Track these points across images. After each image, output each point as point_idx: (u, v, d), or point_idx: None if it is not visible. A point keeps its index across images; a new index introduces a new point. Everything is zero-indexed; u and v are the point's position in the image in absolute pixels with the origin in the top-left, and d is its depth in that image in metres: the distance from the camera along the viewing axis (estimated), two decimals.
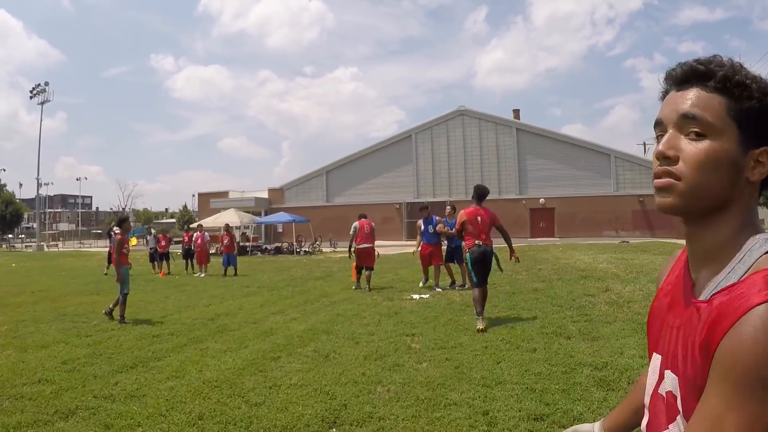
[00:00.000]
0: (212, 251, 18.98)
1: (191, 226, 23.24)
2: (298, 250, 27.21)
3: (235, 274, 15.93)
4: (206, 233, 17.92)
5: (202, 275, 16.27)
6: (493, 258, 7.04)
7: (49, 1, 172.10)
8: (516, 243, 7.82)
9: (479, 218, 6.92)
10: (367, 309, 8.58)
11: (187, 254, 17.99)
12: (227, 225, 17.76)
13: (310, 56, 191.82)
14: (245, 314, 8.63)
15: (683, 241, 0.88)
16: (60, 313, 9.23)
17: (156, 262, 17.94)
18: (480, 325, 6.52)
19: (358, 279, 11.29)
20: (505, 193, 35.67)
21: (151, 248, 18.57)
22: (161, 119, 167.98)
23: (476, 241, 6.86)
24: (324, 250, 28.46)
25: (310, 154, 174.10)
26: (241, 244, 29.76)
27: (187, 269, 17.71)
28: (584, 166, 34.13)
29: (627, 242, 25.66)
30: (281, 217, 30.88)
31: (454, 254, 11.19)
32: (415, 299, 9.53)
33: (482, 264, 6.86)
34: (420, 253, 11.30)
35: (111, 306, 8.39)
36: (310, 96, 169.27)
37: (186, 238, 17.88)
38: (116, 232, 8.30)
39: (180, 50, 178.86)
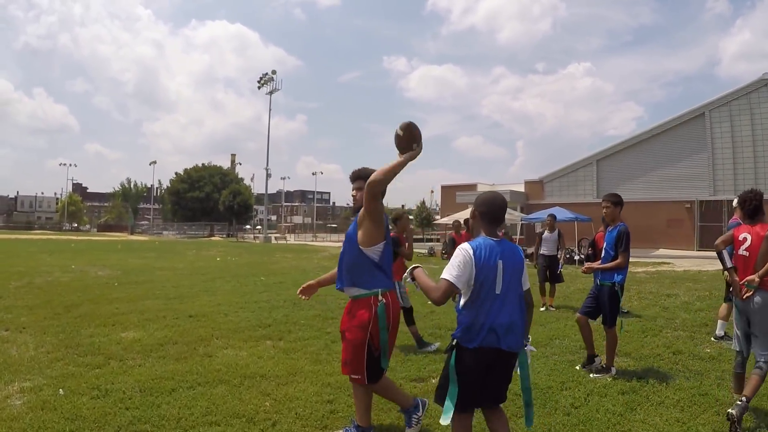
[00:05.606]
0: None
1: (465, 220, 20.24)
2: (576, 257, 22.93)
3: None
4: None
5: None
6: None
7: (281, 12, 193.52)
8: None
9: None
10: None
11: None
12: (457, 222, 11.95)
13: (541, 52, 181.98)
14: None
15: None
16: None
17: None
18: None
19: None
20: None
21: (444, 253, 14.65)
22: (396, 120, 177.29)
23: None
24: None
25: (546, 154, 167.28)
26: None
27: None
28: None
29: None
30: (559, 213, 24.36)
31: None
32: None
33: None
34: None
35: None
36: (543, 93, 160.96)
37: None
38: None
39: (412, 51, 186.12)
